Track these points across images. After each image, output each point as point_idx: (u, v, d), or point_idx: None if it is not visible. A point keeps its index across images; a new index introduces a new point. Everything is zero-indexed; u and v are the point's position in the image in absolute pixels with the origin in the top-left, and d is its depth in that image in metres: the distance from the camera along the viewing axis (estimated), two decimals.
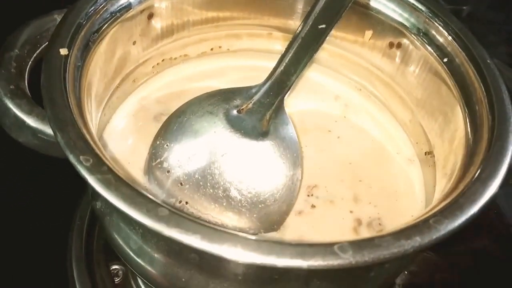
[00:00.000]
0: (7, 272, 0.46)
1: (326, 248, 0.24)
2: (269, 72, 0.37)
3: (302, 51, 0.36)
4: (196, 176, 0.35)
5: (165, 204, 0.25)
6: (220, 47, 0.47)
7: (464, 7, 0.89)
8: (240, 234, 0.24)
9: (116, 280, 0.47)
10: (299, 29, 0.36)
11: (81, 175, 0.25)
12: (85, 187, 0.50)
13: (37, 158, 0.52)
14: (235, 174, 0.35)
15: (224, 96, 0.38)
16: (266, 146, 0.36)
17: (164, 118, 0.41)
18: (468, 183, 0.28)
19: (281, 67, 0.36)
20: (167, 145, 0.36)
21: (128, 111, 0.42)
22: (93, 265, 0.47)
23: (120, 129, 0.41)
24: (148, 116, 0.42)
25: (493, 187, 0.27)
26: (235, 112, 0.37)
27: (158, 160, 0.36)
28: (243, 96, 0.38)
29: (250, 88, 0.38)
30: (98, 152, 0.26)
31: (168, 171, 0.35)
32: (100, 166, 0.26)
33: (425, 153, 0.40)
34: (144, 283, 0.46)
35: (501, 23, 1.00)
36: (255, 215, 0.34)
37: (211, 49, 0.47)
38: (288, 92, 0.37)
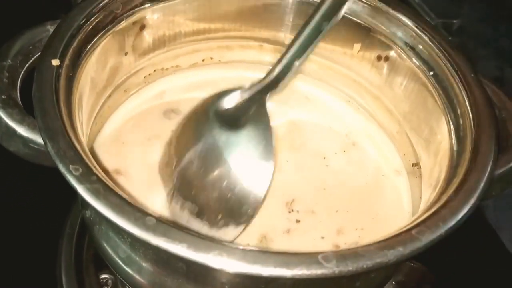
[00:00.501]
0: None
1: (310, 257, 0.24)
2: None
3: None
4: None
5: None
6: (211, 58, 0.48)
7: (455, 21, 0.91)
8: (226, 243, 0.24)
9: None
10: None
11: (71, 185, 0.26)
12: (75, 196, 0.50)
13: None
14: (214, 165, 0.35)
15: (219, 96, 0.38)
16: (242, 138, 0.36)
17: (155, 128, 0.42)
18: (450, 195, 0.28)
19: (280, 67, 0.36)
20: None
21: (119, 120, 0.43)
22: (82, 273, 0.47)
23: (111, 138, 0.41)
24: (139, 126, 0.42)
25: (475, 199, 0.28)
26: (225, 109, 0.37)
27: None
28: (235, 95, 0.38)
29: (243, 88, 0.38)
30: (88, 162, 0.27)
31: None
32: (90, 175, 0.26)
33: (412, 164, 0.41)
34: None
35: (491, 37, 1.02)
36: (225, 204, 0.35)
37: (203, 60, 0.48)
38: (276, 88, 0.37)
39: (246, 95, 0.36)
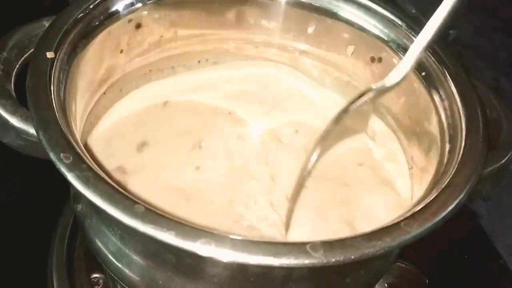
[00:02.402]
0: None
1: (298, 247, 0.24)
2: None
3: None
4: None
5: None
6: (207, 60, 0.48)
7: (451, 32, 0.91)
8: (215, 231, 0.24)
9: None
10: None
11: (61, 172, 0.26)
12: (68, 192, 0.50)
13: (37, 158, 0.52)
14: None
15: None
16: None
17: (149, 129, 0.42)
18: (440, 190, 0.28)
19: None
20: None
21: (113, 119, 0.43)
22: (74, 273, 0.47)
23: (105, 136, 0.41)
24: (133, 126, 0.43)
25: (463, 194, 0.28)
26: None
27: None
28: None
29: None
30: (79, 151, 0.27)
31: None
32: (80, 164, 0.26)
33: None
34: None
35: (487, 48, 1.03)
36: None
37: (198, 62, 0.48)
38: None
39: None
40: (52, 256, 0.47)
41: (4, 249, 0.47)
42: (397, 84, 0.35)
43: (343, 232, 0.36)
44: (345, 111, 0.36)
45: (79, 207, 0.34)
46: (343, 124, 0.36)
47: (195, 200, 0.37)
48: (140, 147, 0.41)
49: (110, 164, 0.38)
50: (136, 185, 0.37)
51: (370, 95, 0.36)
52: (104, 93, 0.41)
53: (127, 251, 0.31)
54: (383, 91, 0.36)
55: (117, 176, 0.37)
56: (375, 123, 0.43)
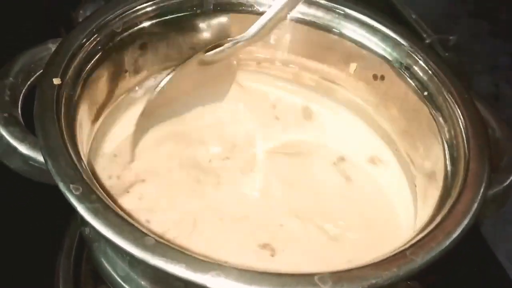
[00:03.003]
0: None
1: (306, 279, 0.25)
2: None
3: None
4: None
5: None
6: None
7: (451, 37, 0.91)
8: (224, 264, 0.25)
9: None
10: None
11: (71, 204, 0.26)
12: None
13: None
14: None
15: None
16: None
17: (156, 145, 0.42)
18: (444, 216, 0.29)
19: None
20: None
21: (120, 137, 0.43)
22: (80, 286, 0.47)
23: (111, 154, 0.42)
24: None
25: (468, 219, 0.28)
26: None
27: None
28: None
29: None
30: (88, 181, 0.27)
31: None
32: (90, 194, 0.26)
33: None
34: None
35: (487, 53, 1.03)
36: None
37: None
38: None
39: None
40: (58, 270, 0.48)
41: (8, 260, 0.47)
42: (254, 36, 0.42)
43: None
44: (200, 56, 0.41)
45: (87, 230, 0.35)
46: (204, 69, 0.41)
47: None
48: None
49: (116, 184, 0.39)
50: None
51: (228, 45, 0.42)
52: (110, 112, 0.42)
53: (135, 276, 0.31)
54: (243, 43, 0.42)
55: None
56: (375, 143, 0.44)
